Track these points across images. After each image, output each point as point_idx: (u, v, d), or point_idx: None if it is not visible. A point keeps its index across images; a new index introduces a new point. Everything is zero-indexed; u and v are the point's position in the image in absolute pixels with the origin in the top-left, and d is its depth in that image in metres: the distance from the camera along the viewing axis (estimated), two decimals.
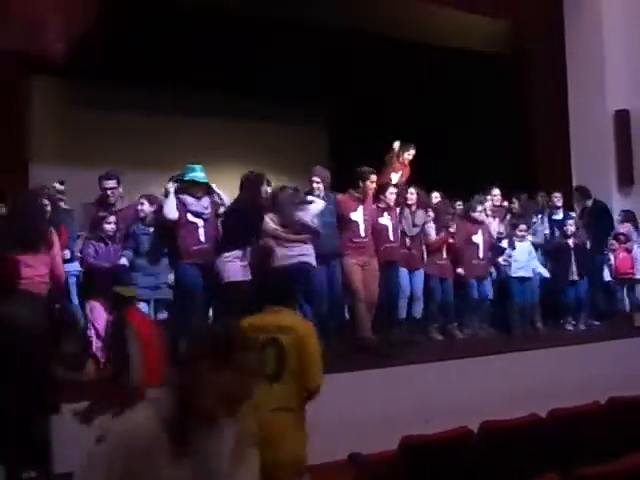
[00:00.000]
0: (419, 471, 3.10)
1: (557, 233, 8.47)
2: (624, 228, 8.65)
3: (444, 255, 7.55)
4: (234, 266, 5.87)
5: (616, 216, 9.02)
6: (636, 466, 2.25)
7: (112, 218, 5.80)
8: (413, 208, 7.32)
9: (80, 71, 9.64)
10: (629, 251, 8.52)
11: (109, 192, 6.12)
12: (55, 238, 5.21)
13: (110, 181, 6.13)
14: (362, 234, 6.65)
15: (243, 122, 11.60)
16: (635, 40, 9.57)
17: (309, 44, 10.03)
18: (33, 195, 5.64)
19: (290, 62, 10.22)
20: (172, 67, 10.00)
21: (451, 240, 7.54)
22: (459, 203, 8.24)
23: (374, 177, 6.83)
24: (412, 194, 7.34)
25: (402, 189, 7.29)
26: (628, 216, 8.95)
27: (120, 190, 6.21)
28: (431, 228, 7.41)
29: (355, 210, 6.66)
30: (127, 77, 10.18)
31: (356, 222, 6.64)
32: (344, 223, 6.64)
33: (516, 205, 8.67)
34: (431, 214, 7.49)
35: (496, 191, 8.28)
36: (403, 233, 7.16)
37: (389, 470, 3.23)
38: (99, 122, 10.52)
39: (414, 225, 7.26)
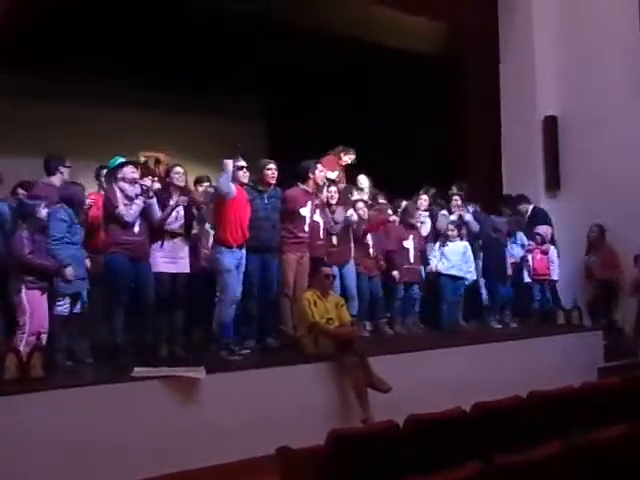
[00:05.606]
0: (347, 464, 3.12)
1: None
2: (541, 230, 8.82)
3: (370, 253, 7.58)
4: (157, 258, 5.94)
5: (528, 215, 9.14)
6: (552, 454, 2.35)
7: (45, 203, 5.40)
8: (333, 207, 7.28)
9: None
10: (545, 253, 8.73)
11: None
12: None
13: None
14: (306, 229, 6.62)
15: (173, 114, 11.42)
16: (564, 49, 9.88)
17: (245, 37, 9.93)
18: None
19: (226, 55, 10.10)
20: (93, 56, 9.58)
21: (392, 218, 7.64)
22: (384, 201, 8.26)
23: (321, 167, 6.84)
24: (336, 192, 7.32)
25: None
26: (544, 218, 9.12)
27: None
28: (354, 216, 7.31)
29: (305, 205, 6.60)
30: (46, 66, 9.81)
31: (304, 217, 6.59)
32: (293, 218, 6.54)
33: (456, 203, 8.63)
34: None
35: (424, 196, 8.31)
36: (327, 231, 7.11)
37: (317, 463, 3.25)
38: (17, 111, 10.10)
39: (335, 222, 7.22)
